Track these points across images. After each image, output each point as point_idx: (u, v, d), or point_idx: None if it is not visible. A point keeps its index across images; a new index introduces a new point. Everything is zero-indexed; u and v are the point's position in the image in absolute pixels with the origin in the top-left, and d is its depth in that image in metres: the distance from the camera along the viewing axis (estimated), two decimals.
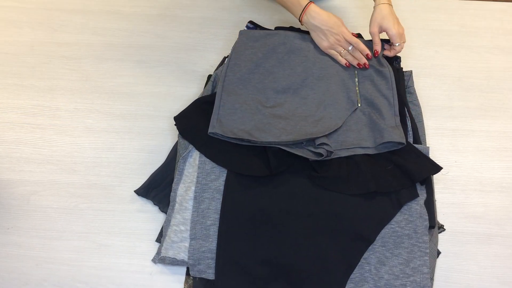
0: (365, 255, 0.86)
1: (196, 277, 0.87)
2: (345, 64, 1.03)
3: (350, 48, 1.01)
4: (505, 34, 1.25)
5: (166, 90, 1.13)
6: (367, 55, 1.02)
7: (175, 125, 0.98)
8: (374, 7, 1.01)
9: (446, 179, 1.00)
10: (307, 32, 1.09)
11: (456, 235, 0.94)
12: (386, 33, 1.01)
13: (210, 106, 0.98)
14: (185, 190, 0.93)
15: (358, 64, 1.02)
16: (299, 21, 1.03)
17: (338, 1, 1.31)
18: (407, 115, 1.00)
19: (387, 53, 1.04)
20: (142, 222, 0.95)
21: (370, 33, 1.02)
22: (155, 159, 1.02)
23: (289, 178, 0.92)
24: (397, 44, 1.02)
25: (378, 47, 1.02)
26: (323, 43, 1.03)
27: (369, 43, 1.05)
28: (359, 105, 0.99)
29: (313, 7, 1.00)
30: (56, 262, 0.90)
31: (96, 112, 1.09)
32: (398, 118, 0.97)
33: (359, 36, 1.08)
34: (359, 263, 0.86)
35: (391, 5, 1.01)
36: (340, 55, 1.03)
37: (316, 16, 0.99)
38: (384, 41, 1.05)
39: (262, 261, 0.85)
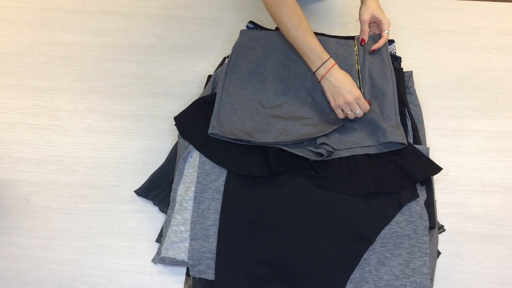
0: (365, 256, 0.86)
1: (196, 278, 0.87)
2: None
3: (357, 111, 0.94)
4: (505, 34, 1.24)
5: (166, 90, 1.13)
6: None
7: (175, 125, 0.98)
8: (363, 1, 1.05)
9: (446, 179, 1.00)
10: None
11: (456, 235, 0.94)
12: (380, 20, 1.04)
13: (210, 106, 0.98)
14: (185, 190, 0.93)
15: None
16: (315, 75, 0.95)
17: (339, 1, 1.31)
18: (407, 115, 1.00)
19: (376, 45, 1.05)
20: (142, 223, 0.95)
21: (361, 20, 1.04)
22: (155, 159, 1.02)
23: (289, 179, 0.92)
24: (386, 31, 1.05)
25: (366, 36, 1.05)
26: (332, 102, 0.95)
27: (370, 38, 1.06)
28: None
29: (336, 67, 0.93)
30: (56, 262, 0.90)
31: (96, 112, 1.09)
32: (398, 118, 0.97)
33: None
34: (359, 263, 0.86)
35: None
36: (344, 114, 0.96)
37: (335, 74, 0.92)
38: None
39: (262, 261, 0.85)
